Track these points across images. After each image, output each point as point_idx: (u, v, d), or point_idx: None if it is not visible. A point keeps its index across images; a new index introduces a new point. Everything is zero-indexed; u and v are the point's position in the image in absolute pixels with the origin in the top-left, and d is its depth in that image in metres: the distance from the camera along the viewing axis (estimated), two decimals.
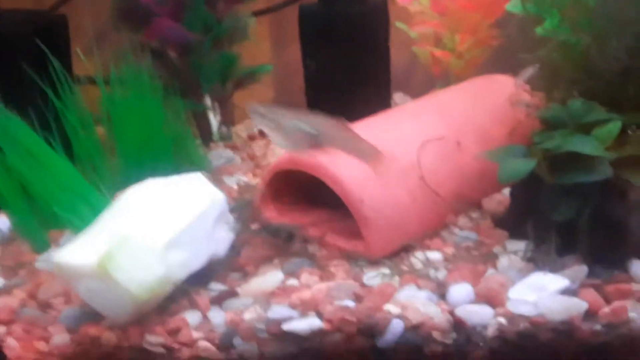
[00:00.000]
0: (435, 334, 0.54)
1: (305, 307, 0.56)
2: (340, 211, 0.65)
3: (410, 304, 0.55)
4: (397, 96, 1.00)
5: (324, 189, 0.65)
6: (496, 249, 0.63)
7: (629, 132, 0.63)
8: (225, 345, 0.54)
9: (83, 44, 0.80)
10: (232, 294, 0.59)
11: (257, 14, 0.94)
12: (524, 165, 0.59)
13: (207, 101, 0.91)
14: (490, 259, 0.61)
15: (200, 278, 0.59)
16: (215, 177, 0.82)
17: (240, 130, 0.95)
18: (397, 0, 0.90)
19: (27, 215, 0.67)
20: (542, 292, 0.55)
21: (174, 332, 0.54)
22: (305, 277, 0.61)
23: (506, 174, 0.59)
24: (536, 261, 0.59)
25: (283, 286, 0.60)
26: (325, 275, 0.61)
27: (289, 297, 0.58)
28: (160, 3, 0.84)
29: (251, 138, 0.93)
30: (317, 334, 0.54)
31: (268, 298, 0.58)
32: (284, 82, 1.03)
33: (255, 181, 0.81)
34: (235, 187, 0.80)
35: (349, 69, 0.90)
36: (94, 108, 0.76)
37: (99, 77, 0.73)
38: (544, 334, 0.54)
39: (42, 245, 0.67)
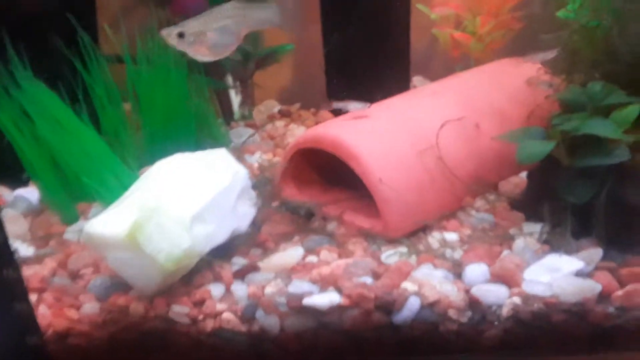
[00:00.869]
0: (451, 312, 0.54)
1: (324, 283, 0.56)
2: (359, 190, 0.66)
3: (426, 282, 0.55)
4: (416, 79, 0.98)
5: (343, 168, 0.65)
6: (512, 230, 0.63)
7: None
8: (247, 317, 0.55)
9: (109, 19, 0.81)
10: (254, 268, 0.59)
11: None
12: (542, 147, 0.58)
13: (229, 80, 0.92)
14: (506, 240, 0.61)
15: (223, 252, 0.60)
16: (236, 154, 0.82)
17: (261, 110, 0.95)
18: None
19: (56, 187, 0.68)
20: (557, 274, 0.55)
21: (199, 304, 0.55)
22: (324, 254, 0.62)
23: (524, 155, 0.58)
24: (552, 243, 0.58)
25: (303, 262, 0.60)
26: (343, 252, 0.62)
27: (309, 272, 0.58)
28: None
29: (271, 118, 0.93)
30: (336, 309, 0.54)
31: (289, 273, 0.59)
32: (304, 63, 1.02)
33: (275, 160, 0.81)
34: (255, 165, 0.80)
35: (368, 50, 0.89)
36: (120, 85, 0.77)
37: (126, 53, 0.74)
38: (557, 315, 0.54)
39: (71, 217, 0.68)
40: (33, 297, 0.57)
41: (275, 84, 1.01)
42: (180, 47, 0.60)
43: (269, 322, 0.55)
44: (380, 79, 0.88)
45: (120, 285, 0.57)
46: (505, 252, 0.59)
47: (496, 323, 0.54)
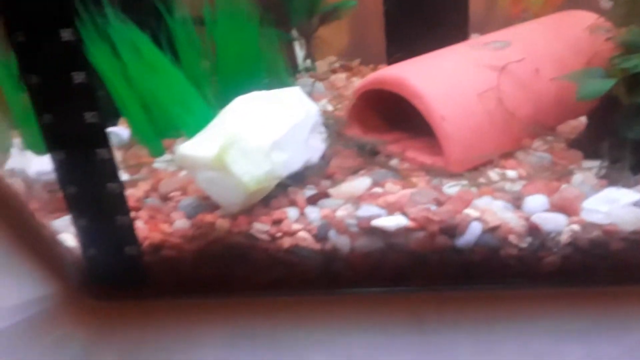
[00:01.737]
0: (511, 237, 0.57)
1: (391, 208, 0.60)
2: (420, 131, 0.68)
3: (488, 209, 0.58)
4: (473, 37, 0.99)
5: (405, 110, 0.68)
6: (570, 167, 0.64)
7: None
8: (321, 236, 0.59)
9: None
10: (325, 195, 0.63)
11: None
12: (602, 85, 0.59)
13: (294, 34, 0.95)
14: (565, 176, 0.63)
15: (297, 181, 0.64)
16: None
17: (322, 64, 0.99)
18: None
19: (144, 124, 0.74)
20: (615, 204, 0.56)
21: (277, 222, 0.60)
22: (389, 186, 0.65)
23: (585, 92, 0.59)
24: (610, 178, 0.60)
25: (369, 192, 0.64)
26: (407, 185, 0.65)
27: (375, 200, 0.62)
28: None
29: (333, 71, 0.96)
30: (402, 231, 0.58)
31: (357, 200, 0.62)
32: (364, 20, 1.04)
33: (340, 106, 0.85)
34: (322, 110, 0.84)
35: (428, 7, 0.91)
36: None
37: (206, 6, 0.77)
38: (615, 243, 0.55)
39: (157, 151, 0.74)
40: (131, 215, 0.62)
41: (335, 40, 1.04)
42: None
43: (341, 241, 0.58)
44: (438, 37, 0.90)
45: (206, 205, 0.62)
46: (564, 186, 0.61)
47: (555, 250, 0.56)
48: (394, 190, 0.64)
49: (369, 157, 0.69)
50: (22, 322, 0.60)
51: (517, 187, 0.63)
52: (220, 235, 0.59)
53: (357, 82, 0.92)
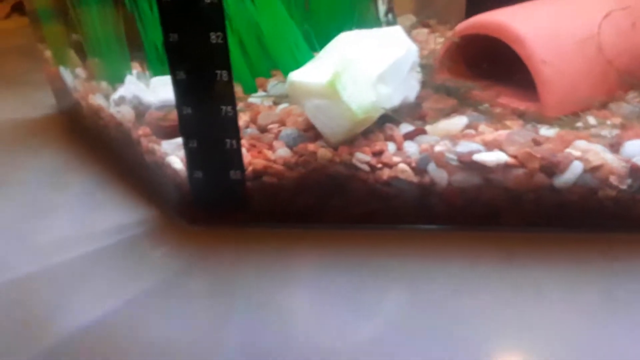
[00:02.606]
0: (612, 178, 0.58)
1: (489, 146, 0.61)
2: (512, 78, 0.69)
3: (590, 149, 0.59)
4: None
5: (498, 58, 0.69)
6: None
7: None
8: (420, 169, 0.61)
9: None
10: (421, 131, 0.65)
11: None
12: None
13: None
14: None
15: (392, 118, 0.66)
16: None
17: (401, 21, 1.00)
18: None
19: (241, 60, 0.76)
20: None
21: (377, 153, 0.62)
22: (482, 128, 0.66)
23: None
24: None
25: (464, 132, 0.66)
26: (501, 127, 0.66)
27: (472, 138, 0.63)
28: None
29: (413, 27, 0.97)
30: (502, 166, 0.59)
31: (454, 138, 0.64)
32: None
33: (428, 55, 0.86)
34: None
35: None
36: None
37: None
38: None
39: (251, 88, 0.76)
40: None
41: None
42: None
43: (439, 175, 0.60)
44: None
45: (306, 136, 0.64)
46: None
47: None
48: (485, 131, 0.65)
49: (461, 101, 0.71)
50: (118, 244, 0.64)
51: (614, 133, 0.63)
52: (322, 164, 0.61)
53: (439, 39, 0.94)
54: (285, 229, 0.64)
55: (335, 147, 0.62)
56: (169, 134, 0.65)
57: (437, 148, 0.62)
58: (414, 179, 0.61)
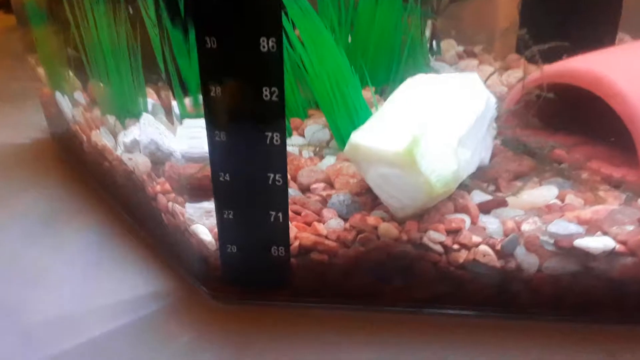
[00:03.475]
0: None
1: (590, 226, 0.51)
2: (601, 137, 0.60)
3: None
4: (620, 37, 0.89)
5: (583, 111, 0.59)
6: None
7: None
8: (507, 253, 0.50)
9: None
10: (502, 203, 0.55)
11: None
12: None
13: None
14: None
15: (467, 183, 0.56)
16: None
17: (447, 46, 0.90)
18: None
19: None
20: None
21: (453, 232, 0.51)
22: (570, 198, 0.57)
23: None
24: None
25: (551, 202, 0.56)
26: (592, 199, 0.57)
27: (564, 214, 0.53)
28: None
29: (460, 57, 0.87)
30: (608, 254, 0.50)
31: (539, 212, 0.54)
32: (495, 5, 0.95)
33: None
34: None
35: None
36: None
37: None
38: None
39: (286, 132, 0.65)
40: None
41: (455, 23, 0.95)
42: None
43: (529, 260, 0.50)
44: (582, 34, 0.80)
45: (360, 203, 0.53)
46: None
47: None
48: (577, 204, 0.56)
49: (539, 161, 0.61)
50: (131, 325, 0.53)
51: None
52: (385, 242, 0.51)
53: (487, 71, 0.84)
54: (331, 309, 0.54)
55: (400, 222, 0.52)
56: (196, 194, 0.54)
57: (525, 227, 0.52)
58: (497, 263, 0.51)
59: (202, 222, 0.52)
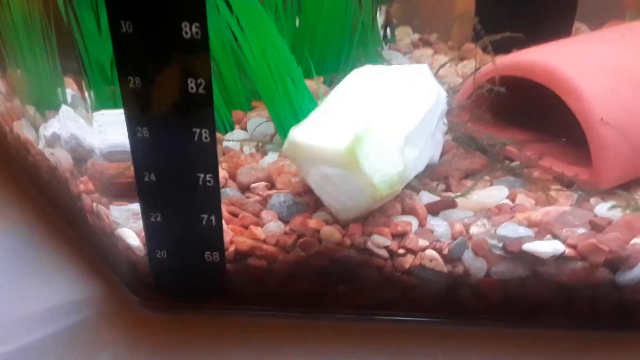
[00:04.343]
0: None
1: (540, 229, 0.50)
2: (554, 134, 0.58)
3: None
4: (577, 27, 0.88)
5: (537, 106, 0.57)
6: None
7: None
8: (454, 257, 0.48)
9: None
10: (451, 205, 0.52)
11: None
12: None
13: None
14: None
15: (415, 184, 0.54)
16: None
17: (402, 33, 0.87)
18: None
19: (215, 94, 0.61)
20: None
21: (399, 235, 0.48)
22: (521, 198, 0.55)
23: None
24: None
25: (502, 202, 0.54)
26: (543, 199, 0.55)
27: (514, 216, 0.52)
28: None
29: (415, 45, 0.84)
30: (558, 259, 0.48)
31: (489, 214, 0.52)
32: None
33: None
34: None
35: None
36: None
37: None
38: None
39: (226, 125, 0.62)
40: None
41: (410, 9, 0.92)
42: None
43: (477, 264, 0.48)
44: (537, 23, 0.78)
45: (302, 204, 0.50)
46: None
47: None
48: (528, 205, 0.54)
49: (490, 159, 0.59)
50: (57, 334, 0.49)
51: None
52: (328, 247, 0.48)
53: (442, 61, 0.82)
54: (270, 317, 0.51)
55: (344, 224, 0.49)
56: (121, 194, 0.50)
57: (474, 229, 0.50)
58: (444, 268, 0.49)
59: (128, 225, 0.48)
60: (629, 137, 0.54)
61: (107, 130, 0.49)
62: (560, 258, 0.47)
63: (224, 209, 0.51)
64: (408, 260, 0.48)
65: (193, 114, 0.40)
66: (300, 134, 0.45)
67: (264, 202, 0.52)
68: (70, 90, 0.49)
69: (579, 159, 0.56)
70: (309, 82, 0.60)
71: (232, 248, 0.48)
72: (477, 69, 0.69)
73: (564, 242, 0.48)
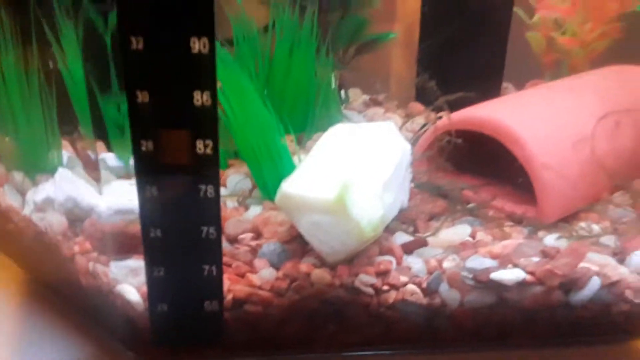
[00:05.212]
0: (628, 293, 0.56)
1: (502, 260, 0.56)
2: (499, 177, 0.67)
3: (608, 262, 0.56)
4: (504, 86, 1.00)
5: (482, 154, 0.66)
6: None
7: None
8: (432, 290, 0.54)
9: None
10: (423, 243, 0.59)
11: None
12: None
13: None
14: None
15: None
16: None
17: (356, 94, 0.95)
18: None
19: None
20: None
21: (382, 273, 0.54)
22: (480, 234, 0.62)
23: None
24: None
25: (466, 241, 0.61)
26: (500, 234, 0.62)
27: (477, 250, 0.58)
28: None
29: (367, 105, 0.93)
30: (520, 285, 0.55)
31: (457, 249, 0.59)
32: (393, 56, 1.03)
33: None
34: None
35: (464, 52, 0.91)
36: None
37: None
38: None
39: None
40: None
41: (358, 73, 1.02)
42: None
43: (451, 296, 0.54)
44: (472, 83, 0.89)
45: (290, 251, 0.55)
46: None
47: None
48: (487, 240, 0.61)
49: (449, 202, 0.66)
50: None
51: (611, 240, 0.62)
52: (319, 289, 0.53)
53: (395, 119, 0.90)
54: None
55: (332, 267, 0.54)
56: (121, 252, 0.53)
57: (446, 264, 0.56)
58: (424, 300, 0.54)
59: (128, 281, 0.51)
60: (566, 177, 0.64)
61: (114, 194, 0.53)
62: (522, 284, 0.54)
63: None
64: (392, 296, 0.54)
65: (200, 173, 0.45)
66: (292, 186, 0.50)
67: (254, 251, 0.56)
68: (66, 153, 0.52)
69: (525, 199, 0.65)
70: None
71: (230, 296, 0.52)
72: (424, 125, 0.79)
73: (524, 269, 0.55)
